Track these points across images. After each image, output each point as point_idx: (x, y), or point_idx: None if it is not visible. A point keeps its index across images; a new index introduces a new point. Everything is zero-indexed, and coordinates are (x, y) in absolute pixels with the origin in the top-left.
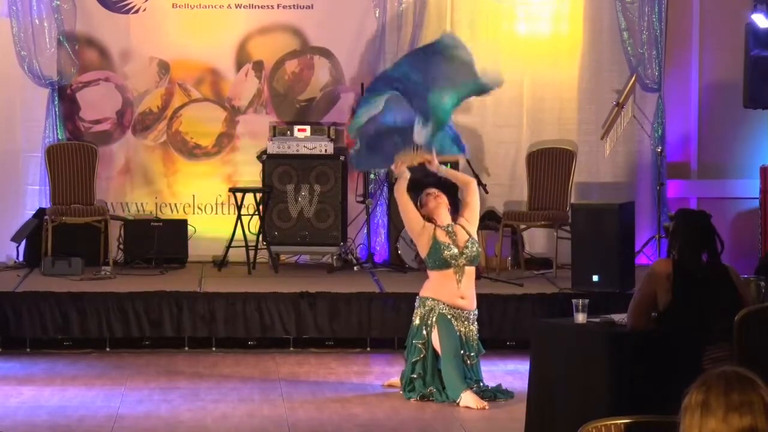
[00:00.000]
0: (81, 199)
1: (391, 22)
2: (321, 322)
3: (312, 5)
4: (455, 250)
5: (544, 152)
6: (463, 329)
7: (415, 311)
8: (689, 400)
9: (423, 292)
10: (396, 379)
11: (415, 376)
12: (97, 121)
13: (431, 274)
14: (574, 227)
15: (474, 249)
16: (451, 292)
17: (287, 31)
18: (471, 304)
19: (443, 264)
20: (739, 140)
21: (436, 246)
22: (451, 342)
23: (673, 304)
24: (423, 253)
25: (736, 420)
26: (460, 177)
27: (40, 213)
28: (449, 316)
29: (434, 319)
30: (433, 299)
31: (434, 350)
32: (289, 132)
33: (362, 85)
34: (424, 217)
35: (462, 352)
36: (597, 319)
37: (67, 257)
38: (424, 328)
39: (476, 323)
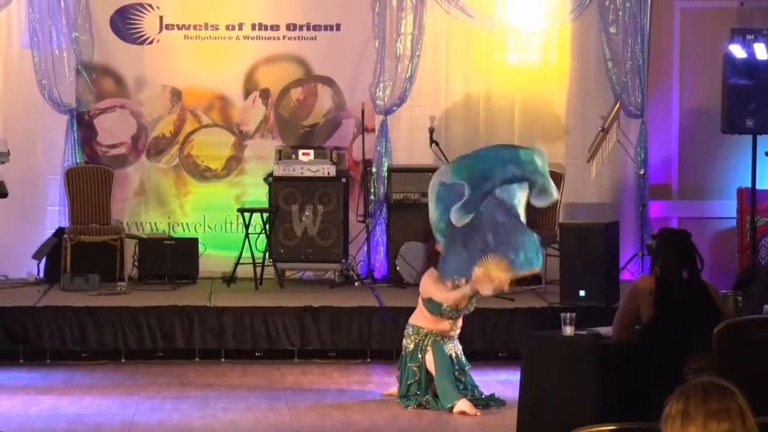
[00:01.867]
0: (98, 219)
1: (389, 52)
2: (324, 335)
3: (315, 37)
4: (454, 310)
5: None
6: (453, 350)
7: (409, 338)
8: (669, 409)
9: (416, 321)
10: (394, 389)
11: (410, 394)
12: (113, 146)
13: (425, 312)
14: (562, 245)
15: (471, 308)
16: (444, 329)
17: (292, 61)
18: (458, 331)
19: (440, 315)
20: (717, 163)
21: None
22: (444, 361)
23: (655, 318)
24: (424, 295)
25: (715, 426)
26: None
27: (60, 232)
28: (440, 341)
29: (428, 343)
30: (426, 329)
31: (427, 371)
32: (293, 156)
33: (362, 111)
34: (434, 251)
35: (456, 368)
36: (584, 332)
37: (85, 274)
38: (419, 351)
39: (458, 341)
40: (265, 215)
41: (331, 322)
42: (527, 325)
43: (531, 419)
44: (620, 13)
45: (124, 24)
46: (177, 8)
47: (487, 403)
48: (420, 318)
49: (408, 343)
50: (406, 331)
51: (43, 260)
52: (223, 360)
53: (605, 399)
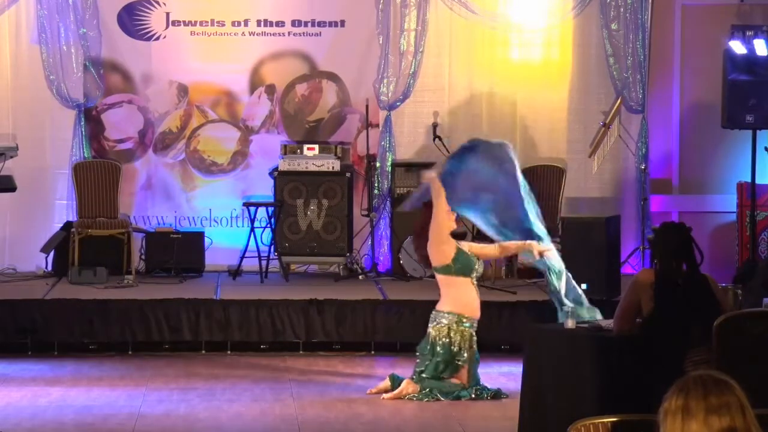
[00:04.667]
0: (105, 213)
1: (393, 48)
2: (328, 327)
3: (320, 33)
4: (476, 262)
5: (535, 169)
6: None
7: (453, 328)
8: (669, 404)
9: (452, 308)
10: (382, 385)
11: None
12: (121, 140)
13: (453, 281)
14: (564, 239)
15: (481, 271)
16: (474, 300)
17: (297, 57)
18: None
19: (468, 270)
20: (717, 158)
21: (461, 253)
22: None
23: (655, 311)
24: (445, 260)
25: (716, 422)
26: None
27: (68, 226)
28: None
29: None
30: (466, 317)
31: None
32: (298, 150)
33: (366, 106)
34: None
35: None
36: (585, 325)
37: (93, 267)
38: (464, 351)
39: None
40: (271, 209)
41: (336, 314)
42: (529, 318)
43: (533, 411)
44: (621, 9)
45: (131, 20)
46: (183, 5)
47: (481, 393)
48: (451, 300)
49: (450, 334)
50: (442, 320)
51: (52, 253)
52: (229, 352)
53: (606, 391)
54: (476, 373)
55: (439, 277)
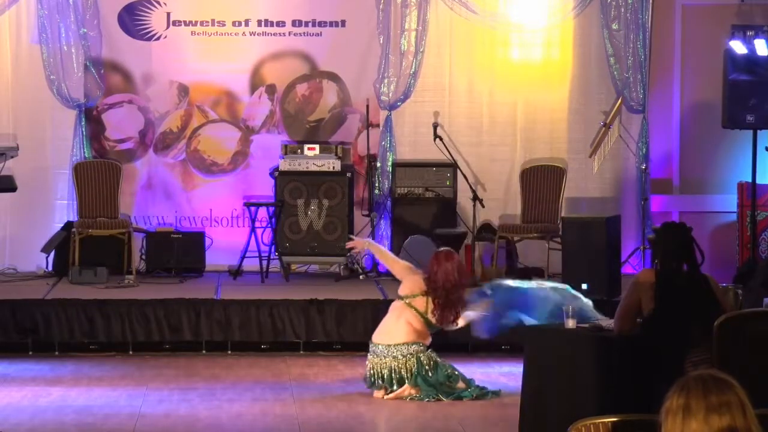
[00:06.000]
0: (106, 213)
1: (394, 48)
2: (329, 327)
3: (321, 33)
4: None
5: (536, 169)
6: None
7: (435, 358)
8: (670, 403)
9: (416, 339)
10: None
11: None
12: (121, 140)
13: (426, 329)
14: (564, 239)
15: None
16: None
17: (298, 57)
18: None
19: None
20: (718, 158)
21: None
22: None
23: (656, 311)
24: (424, 310)
25: (716, 420)
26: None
27: (68, 226)
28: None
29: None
30: (423, 343)
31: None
32: (299, 150)
33: (367, 106)
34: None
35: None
36: (586, 325)
37: (93, 267)
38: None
39: None
40: (271, 209)
41: (336, 314)
42: None
43: (533, 411)
44: (622, 9)
45: (131, 20)
46: (184, 4)
47: (483, 393)
48: (418, 335)
49: (434, 360)
50: (409, 351)
51: (52, 253)
52: (229, 352)
53: (606, 391)
54: (464, 376)
55: (420, 323)
